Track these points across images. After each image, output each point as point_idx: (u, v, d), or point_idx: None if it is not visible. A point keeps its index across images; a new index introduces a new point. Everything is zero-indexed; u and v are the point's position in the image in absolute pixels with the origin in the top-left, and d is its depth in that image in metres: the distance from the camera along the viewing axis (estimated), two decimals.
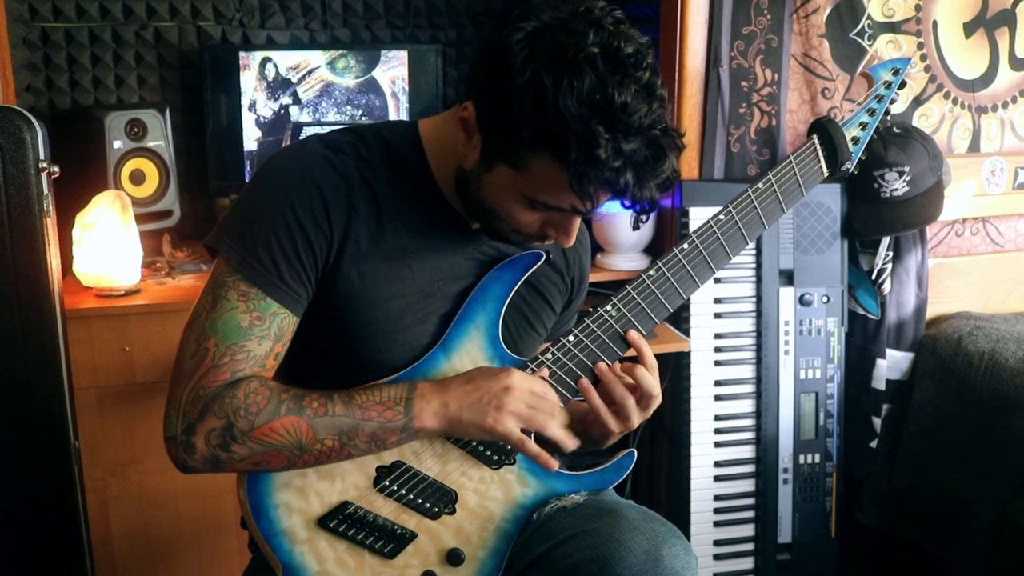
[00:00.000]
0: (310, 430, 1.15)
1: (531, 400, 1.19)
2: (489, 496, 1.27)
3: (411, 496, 1.24)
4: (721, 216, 1.30)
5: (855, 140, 1.43)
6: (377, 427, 1.17)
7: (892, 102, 1.48)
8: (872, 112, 1.45)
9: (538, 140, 1.05)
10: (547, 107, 1.03)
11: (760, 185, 1.32)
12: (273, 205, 1.15)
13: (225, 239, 1.18)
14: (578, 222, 1.17)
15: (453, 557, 1.26)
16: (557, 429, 1.22)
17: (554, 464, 1.22)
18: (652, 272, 1.27)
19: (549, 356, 1.25)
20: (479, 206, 1.18)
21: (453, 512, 1.26)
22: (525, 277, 1.27)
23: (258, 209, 1.17)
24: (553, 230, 1.17)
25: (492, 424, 1.18)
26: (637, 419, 1.25)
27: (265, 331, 1.16)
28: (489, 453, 1.26)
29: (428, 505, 1.25)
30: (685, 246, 1.28)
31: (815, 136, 1.38)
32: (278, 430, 1.14)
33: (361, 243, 1.18)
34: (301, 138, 1.20)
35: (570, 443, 1.23)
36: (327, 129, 2.48)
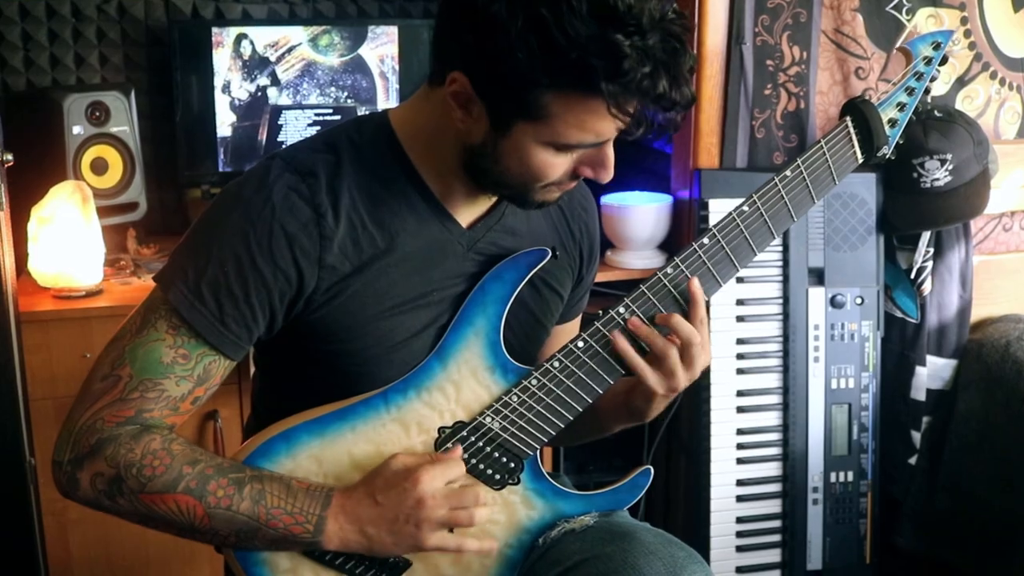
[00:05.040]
0: (207, 518, 1.15)
1: (450, 501, 1.18)
2: (490, 519, 1.27)
3: None
4: (745, 208, 1.30)
5: (892, 122, 1.43)
6: (281, 537, 1.17)
7: (932, 80, 1.47)
8: (910, 91, 1.44)
9: (557, 78, 1.06)
10: (556, 40, 1.03)
11: (788, 173, 1.32)
12: (228, 240, 1.15)
13: (167, 268, 1.18)
14: (611, 151, 1.17)
15: None
16: (485, 515, 1.23)
17: (493, 549, 1.26)
18: (669, 270, 1.26)
19: (556, 364, 1.25)
20: (502, 177, 1.18)
21: None
22: (529, 276, 1.27)
23: (210, 242, 1.16)
24: (589, 168, 1.18)
25: (418, 544, 1.19)
26: (683, 377, 1.25)
27: (187, 371, 1.16)
28: (491, 472, 1.26)
29: None
30: (705, 241, 1.27)
31: (848, 118, 1.38)
32: (170, 504, 1.14)
33: (338, 270, 1.19)
34: (266, 160, 1.20)
35: (488, 544, 1.25)
36: (308, 112, 2.51)
